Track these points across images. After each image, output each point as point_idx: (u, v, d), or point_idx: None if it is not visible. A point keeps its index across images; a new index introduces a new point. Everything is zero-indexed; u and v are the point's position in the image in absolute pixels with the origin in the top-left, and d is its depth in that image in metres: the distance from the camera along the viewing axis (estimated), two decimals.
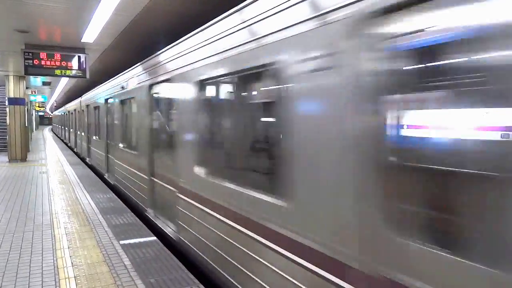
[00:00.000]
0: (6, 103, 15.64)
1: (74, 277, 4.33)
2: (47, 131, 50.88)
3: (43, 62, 9.44)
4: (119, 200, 8.32)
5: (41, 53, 9.38)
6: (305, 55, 2.77)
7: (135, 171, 7.98)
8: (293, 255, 2.94)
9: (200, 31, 4.73)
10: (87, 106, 16.22)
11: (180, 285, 4.15)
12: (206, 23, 4.51)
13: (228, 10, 3.99)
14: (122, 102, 9.43)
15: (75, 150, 21.77)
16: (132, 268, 4.58)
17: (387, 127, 2.30)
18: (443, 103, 2.20)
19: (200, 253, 4.71)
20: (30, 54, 9.34)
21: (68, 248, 5.28)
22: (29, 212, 7.25)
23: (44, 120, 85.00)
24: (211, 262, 4.41)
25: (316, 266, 2.70)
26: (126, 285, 4.13)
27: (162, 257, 4.95)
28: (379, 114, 2.29)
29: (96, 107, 13.65)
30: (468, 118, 2.07)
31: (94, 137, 14.34)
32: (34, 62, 9.34)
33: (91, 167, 14.70)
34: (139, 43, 9.37)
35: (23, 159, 15.77)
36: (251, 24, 3.53)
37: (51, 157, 17.60)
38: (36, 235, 5.83)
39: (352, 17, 2.34)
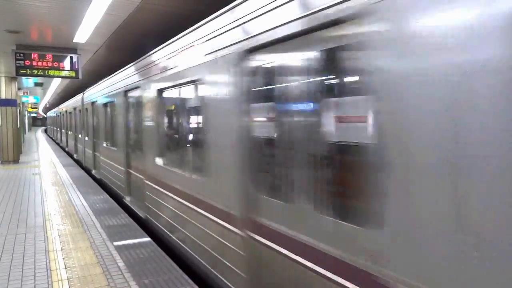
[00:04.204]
0: None
1: (67, 279, 4.29)
2: (40, 133, 50.48)
3: (34, 63, 9.36)
4: (112, 201, 8.28)
5: (32, 54, 9.31)
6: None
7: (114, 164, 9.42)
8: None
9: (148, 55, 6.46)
10: (74, 108, 17.54)
11: (175, 286, 4.13)
12: (198, 22, 4.51)
13: (220, 10, 3.99)
14: (105, 105, 10.52)
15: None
16: (126, 270, 4.55)
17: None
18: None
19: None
20: (22, 54, 9.26)
21: (61, 250, 5.23)
22: (22, 214, 7.18)
23: (37, 121, 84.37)
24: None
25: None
26: (120, 286, 4.10)
27: (156, 258, 4.93)
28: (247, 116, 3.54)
29: (83, 109, 15.20)
30: None
31: (82, 136, 16.02)
32: (26, 63, 9.26)
33: (79, 164, 15.85)
34: (131, 43, 9.33)
35: (16, 160, 15.63)
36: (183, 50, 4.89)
37: (44, 158, 17.47)
38: (29, 237, 5.78)
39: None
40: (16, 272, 4.51)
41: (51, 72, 9.65)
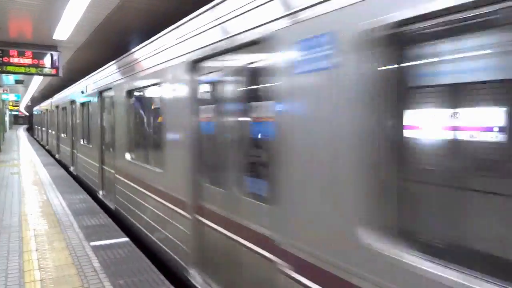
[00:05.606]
0: None
1: (40, 280, 4.20)
2: (21, 131, 49.50)
3: (13, 60, 9.17)
4: (92, 200, 8.16)
5: (10, 51, 9.11)
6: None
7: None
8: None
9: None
10: (57, 106, 17.46)
11: (150, 286, 4.08)
12: (179, 20, 4.49)
13: (200, 8, 3.97)
14: (82, 104, 10.80)
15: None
16: (102, 270, 4.48)
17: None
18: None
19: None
20: (0, 51, 9.05)
21: (36, 250, 5.13)
22: None
23: (18, 120, 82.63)
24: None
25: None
26: (94, 287, 4.04)
27: (133, 259, 4.87)
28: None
29: (64, 108, 15.31)
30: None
31: (62, 135, 16.32)
32: (4, 60, 9.06)
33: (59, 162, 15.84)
34: (114, 40, 9.21)
35: None
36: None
37: (24, 157, 17.12)
38: (3, 237, 5.64)
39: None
40: None
41: (31, 70, 9.46)
